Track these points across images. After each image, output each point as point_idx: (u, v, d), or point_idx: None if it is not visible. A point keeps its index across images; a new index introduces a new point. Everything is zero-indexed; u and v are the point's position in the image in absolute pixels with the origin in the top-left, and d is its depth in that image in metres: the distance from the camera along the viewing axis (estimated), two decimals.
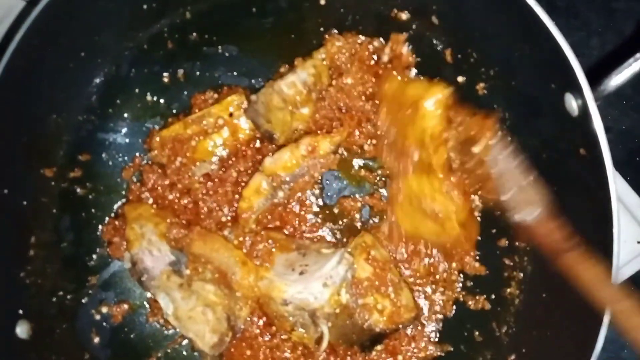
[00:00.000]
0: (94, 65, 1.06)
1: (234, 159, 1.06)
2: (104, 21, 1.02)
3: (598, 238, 0.81)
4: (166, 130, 1.07)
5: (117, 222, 1.08)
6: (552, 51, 0.79)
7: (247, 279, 1.00)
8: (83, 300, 1.08)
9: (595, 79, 0.78)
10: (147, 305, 1.09)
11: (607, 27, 1.30)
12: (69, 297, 1.07)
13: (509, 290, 1.03)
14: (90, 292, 1.08)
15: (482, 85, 1.02)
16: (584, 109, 0.78)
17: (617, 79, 0.75)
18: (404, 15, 1.04)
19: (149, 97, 1.11)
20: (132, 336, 1.09)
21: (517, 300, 1.02)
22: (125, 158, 1.11)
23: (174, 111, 1.11)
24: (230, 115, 1.05)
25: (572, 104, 0.81)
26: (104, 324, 1.08)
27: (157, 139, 1.06)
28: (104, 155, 1.10)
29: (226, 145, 1.06)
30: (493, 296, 1.04)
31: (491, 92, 1.02)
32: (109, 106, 1.10)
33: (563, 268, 0.81)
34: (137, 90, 1.10)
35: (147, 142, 1.09)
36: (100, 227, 1.09)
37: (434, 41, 1.03)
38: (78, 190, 1.09)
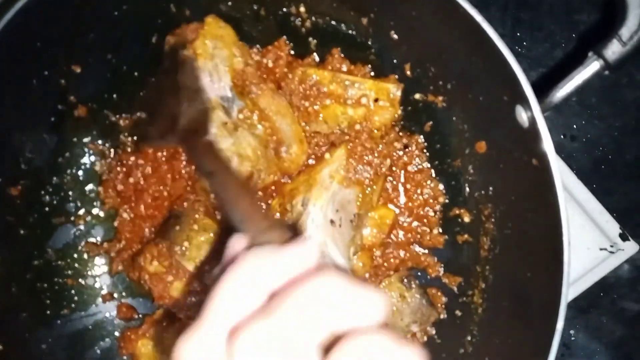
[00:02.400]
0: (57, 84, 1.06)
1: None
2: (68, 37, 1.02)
3: (551, 246, 0.82)
4: (313, 70, 1.04)
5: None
6: (501, 65, 0.81)
7: (299, 156, 0.98)
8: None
9: (543, 91, 0.80)
10: None
11: (570, 38, 1.32)
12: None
13: (473, 299, 1.04)
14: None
15: (440, 98, 1.04)
16: (533, 120, 0.80)
17: (562, 90, 0.77)
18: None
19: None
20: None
21: (480, 309, 1.02)
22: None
23: None
24: (376, 100, 1.02)
25: (522, 115, 0.82)
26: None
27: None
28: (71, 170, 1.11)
29: (349, 123, 1.03)
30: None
31: (449, 105, 1.03)
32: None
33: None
34: None
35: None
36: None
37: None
38: (46, 209, 1.10)
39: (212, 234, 1.03)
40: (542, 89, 0.86)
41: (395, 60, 1.05)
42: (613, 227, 1.14)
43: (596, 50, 0.77)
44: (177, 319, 1.05)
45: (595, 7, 1.32)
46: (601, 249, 1.13)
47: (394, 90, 1.03)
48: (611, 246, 1.13)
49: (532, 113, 0.79)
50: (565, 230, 0.77)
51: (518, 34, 1.33)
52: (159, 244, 1.04)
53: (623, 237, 1.14)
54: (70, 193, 1.13)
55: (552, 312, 0.79)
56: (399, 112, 1.06)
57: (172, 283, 1.02)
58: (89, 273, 1.14)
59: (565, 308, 0.79)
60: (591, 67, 0.76)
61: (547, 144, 0.78)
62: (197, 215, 1.04)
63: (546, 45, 1.33)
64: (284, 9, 1.06)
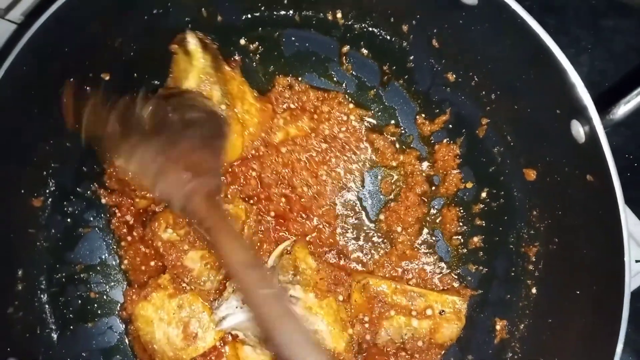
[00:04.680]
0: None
1: None
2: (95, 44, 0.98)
3: (607, 263, 0.81)
4: (372, 278, 1.04)
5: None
6: (560, 79, 0.78)
7: None
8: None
9: (602, 107, 0.78)
10: None
11: (596, 43, 1.31)
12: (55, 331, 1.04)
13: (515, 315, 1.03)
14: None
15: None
16: (592, 136, 0.77)
17: (625, 107, 0.75)
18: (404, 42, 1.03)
19: None
20: None
21: (523, 326, 1.01)
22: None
23: None
24: (442, 312, 1.02)
25: (579, 130, 0.80)
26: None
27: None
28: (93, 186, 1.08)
29: (415, 335, 1.02)
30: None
31: (492, 115, 1.01)
32: None
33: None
34: None
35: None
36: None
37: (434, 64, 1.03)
38: (67, 220, 1.05)
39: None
40: None
41: (436, 68, 1.02)
42: None
43: None
44: (181, 288, 1.02)
45: (620, 13, 1.30)
46: (637, 261, 1.12)
47: (460, 303, 1.02)
48: None
49: (590, 128, 0.77)
50: (627, 250, 0.75)
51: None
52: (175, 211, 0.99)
53: None
54: (93, 204, 1.09)
55: (610, 337, 0.77)
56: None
57: (187, 252, 0.99)
58: (111, 284, 1.10)
59: (625, 332, 0.77)
60: None
61: (610, 161, 0.75)
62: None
63: (571, 51, 1.31)
64: (321, 14, 1.03)
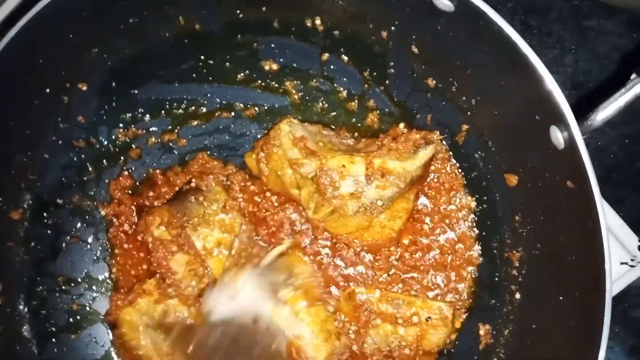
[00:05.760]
0: (59, 102, 1.01)
1: None
2: (71, 54, 0.97)
3: (589, 268, 0.80)
4: (357, 287, 1.04)
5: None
6: (538, 85, 0.78)
7: None
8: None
9: (581, 113, 0.77)
10: None
11: (580, 44, 1.31)
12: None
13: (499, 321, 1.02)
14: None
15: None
16: (571, 142, 0.77)
17: (603, 113, 0.74)
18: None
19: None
20: None
21: (507, 331, 1.00)
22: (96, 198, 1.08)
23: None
24: (428, 319, 1.01)
25: (558, 136, 0.79)
26: None
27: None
28: (75, 197, 1.07)
29: (402, 342, 1.02)
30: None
31: (473, 121, 1.01)
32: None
33: None
34: None
35: None
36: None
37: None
38: (48, 232, 1.04)
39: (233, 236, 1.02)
40: None
41: (415, 74, 1.01)
42: (632, 240, 1.12)
43: None
44: (167, 294, 1.01)
45: (604, 14, 1.30)
46: (622, 263, 1.11)
47: (446, 309, 1.01)
48: (632, 260, 1.12)
49: (569, 134, 0.77)
50: (607, 256, 0.75)
51: (527, 40, 1.31)
52: (172, 211, 1.00)
53: None
54: (75, 214, 1.08)
55: (592, 341, 0.77)
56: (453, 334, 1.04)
57: (175, 254, 0.98)
58: (94, 296, 1.09)
59: (607, 336, 0.76)
60: (634, 90, 0.74)
61: (588, 167, 0.75)
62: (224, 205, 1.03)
63: (555, 52, 1.31)
64: (300, 21, 1.02)
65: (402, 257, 1.06)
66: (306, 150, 0.98)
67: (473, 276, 1.06)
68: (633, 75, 0.74)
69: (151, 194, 1.09)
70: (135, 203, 1.09)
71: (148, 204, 1.09)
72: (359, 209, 0.97)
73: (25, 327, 1.02)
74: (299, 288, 1.01)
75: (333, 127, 1.09)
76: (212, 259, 1.00)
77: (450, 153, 1.06)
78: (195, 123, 1.10)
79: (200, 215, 1.01)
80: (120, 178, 1.09)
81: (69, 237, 1.07)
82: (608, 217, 1.12)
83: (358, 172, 0.96)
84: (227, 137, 1.11)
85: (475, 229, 1.06)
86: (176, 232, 0.99)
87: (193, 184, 1.08)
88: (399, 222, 1.02)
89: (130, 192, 1.09)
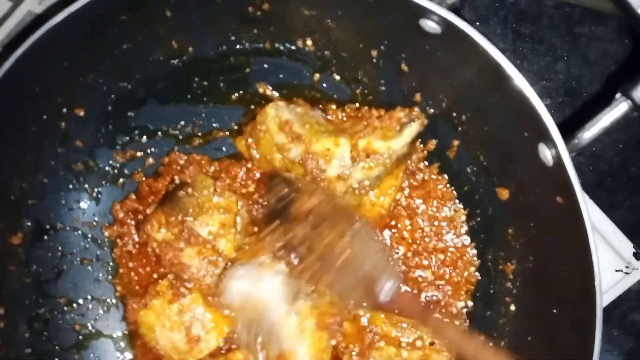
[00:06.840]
0: (56, 128, 1.02)
1: None
2: (66, 81, 0.99)
3: (580, 283, 0.81)
4: (362, 309, 1.04)
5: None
6: (525, 104, 0.79)
7: None
8: None
9: (574, 120, 0.78)
10: None
11: (571, 51, 1.31)
12: None
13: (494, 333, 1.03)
14: None
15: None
16: (559, 160, 0.78)
17: (589, 132, 0.76)
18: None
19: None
20: None
21: (503, 343, 1.02)
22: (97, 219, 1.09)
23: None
24: (432, 344, 1.02)
25: (546, 154, 0.81)
26: None
27: None
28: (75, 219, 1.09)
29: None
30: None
31: (464, 136, 1.02)
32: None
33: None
34: None
35: None
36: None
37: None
38: (49, 254, 1.06)
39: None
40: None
41: (405, 91, 1.03)
42: (627, 247, 1.13)
43: (625, 91, 0.75)
44: (180, 293, 1.02)
45: (595, 20, 1.31)
46: (617, 271, 1.12)
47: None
48: (626, 267, 1.12)
49: (557, 152, 0.78)
50: (596, 271, 0.76)
51: (519, 48, 1.32)
52: (166, 211, 1.01)
53: (637, 255, 1.13)
54: (74, 237, 1.09)
55: (586, 354, 0.78)
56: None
57: (184, 249, 1.00)
58: (97, 315, 1.11)
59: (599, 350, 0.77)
60: (619, 109, 0.75)
61: (576, 186, 0.76)
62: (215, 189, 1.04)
63: (548, 59, 1.32)
64: (292, 41, 1.04)
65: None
66: (292, 134, 0.99)
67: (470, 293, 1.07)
68: (618, 95, 0.75)
69: (141, 207, 1.11)
70: (133, 221, 1.11)
71: (142, 216, 1.10)
72: (347, 190, 0.99)
73: (28, 350, 1.03)
74: (316, 308, 1.01)
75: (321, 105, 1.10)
76: (221, 240, 1.02)
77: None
78: (195, 143, 1.12)
79: (194, 205, 1.02)
80: (127, 201, 1.11)
81: (70, 259, 1.09)
82: (602, 224, 1.14)
83: (343, 155, 0.98)
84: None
85: (471, 242, 1.08)
86: (178, 229, 1.00)
87: (177, 181, 1.09)
88: (388, 199, 1.04)
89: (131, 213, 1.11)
